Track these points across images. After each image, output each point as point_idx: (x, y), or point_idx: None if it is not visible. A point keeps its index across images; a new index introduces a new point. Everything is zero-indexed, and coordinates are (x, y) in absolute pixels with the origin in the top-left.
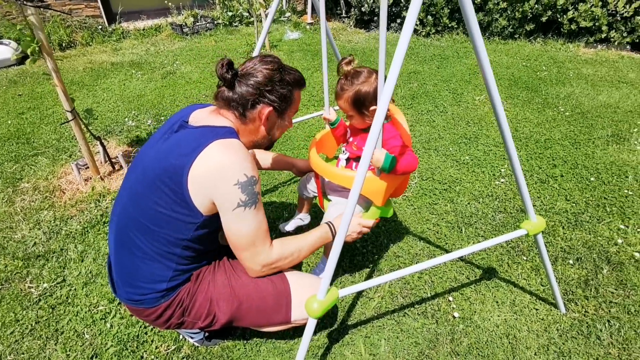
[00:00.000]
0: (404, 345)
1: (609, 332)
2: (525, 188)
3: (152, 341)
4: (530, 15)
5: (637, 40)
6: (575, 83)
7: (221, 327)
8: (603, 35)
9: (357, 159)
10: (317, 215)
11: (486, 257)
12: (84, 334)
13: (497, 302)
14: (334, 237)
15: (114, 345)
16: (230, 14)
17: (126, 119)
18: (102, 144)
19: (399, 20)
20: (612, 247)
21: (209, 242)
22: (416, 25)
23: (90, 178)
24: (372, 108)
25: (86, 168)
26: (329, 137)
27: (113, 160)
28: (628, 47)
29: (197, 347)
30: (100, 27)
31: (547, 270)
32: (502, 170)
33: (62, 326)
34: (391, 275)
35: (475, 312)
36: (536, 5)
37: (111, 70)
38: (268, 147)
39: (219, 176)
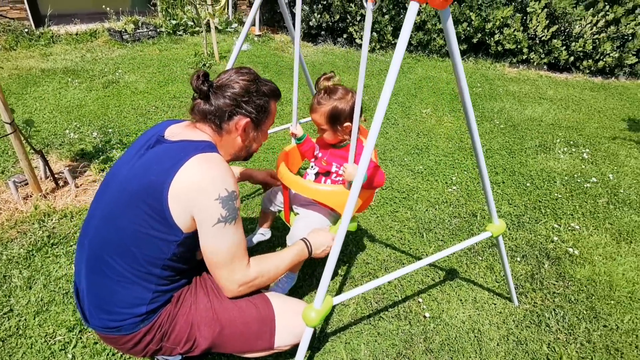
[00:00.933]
0: (382, 347)
1: (555, 320)
2: (491, 195)
3: None
4: (463, 37)
5: (553, 61)
6: (505, 99)
7: (200, 354)
8: (524, 57)
9: (326, 173)
10: (278, 231)
11: (447, 260)
12: None
13: (460, 300)
14: (309, 253)
15: None
16: (174, 22)
17: (66, 131)
18: (44, 158)
19: (345, 35)
20: (549, 244)
21: (188, 260)
22: (362, 40)
23: (30, 196)
24: (345, 124)
25: (25, 185)
26: (294, 152)
27: (56, 175)
28: (545, 67)
29: None
30: (26, 30)
31: (505, 268)
32: (453, 178)
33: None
34: (381, 280)
35: (443, 311)
36: (468, 28)
37: (42, 77)
38: (246, 158)
39: (199, 191)
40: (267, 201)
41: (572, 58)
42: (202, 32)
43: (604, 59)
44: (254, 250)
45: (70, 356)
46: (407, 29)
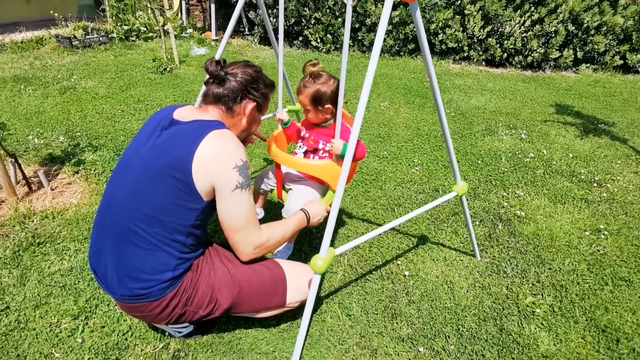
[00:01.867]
0: (371, 303)
1: (511, 268)
2: (455, 160)
3: (135, 345)
4: (411, 37)
5: (490, 58)
6: (452, 91)
7: (221, 315)
8: (465, 54)
9: (314, 151)
10: (270, 210)
11: (417, 228)
12: (52, 354)
13: (433, 260)
14: (308, 221)
15: (92, 358)
16: (125, 28)
17: (29, 137)
18: (17, 162)
19: (300, 38)
20: (501, 210)
21: (204, 228)
22: (317, 42)
23: (4, 201)
24: (326, 106)
25: None
26: (281, 136)
27: (30, 179)
28: (483, 63)
29: (185, 340)
30: None
31: (468, 226)
32: (415, 160)
33: (24, 350)
34: (373, 233)
35: (419, 269)
36: (414, 29)
37: None
38: (244, 142)
39: (219, 161)
40: (260, 181)
41: (505, 54)
42: (156, 37)
43: (532, 55)
44: None
45: (79, 340)
46: (383, 23)
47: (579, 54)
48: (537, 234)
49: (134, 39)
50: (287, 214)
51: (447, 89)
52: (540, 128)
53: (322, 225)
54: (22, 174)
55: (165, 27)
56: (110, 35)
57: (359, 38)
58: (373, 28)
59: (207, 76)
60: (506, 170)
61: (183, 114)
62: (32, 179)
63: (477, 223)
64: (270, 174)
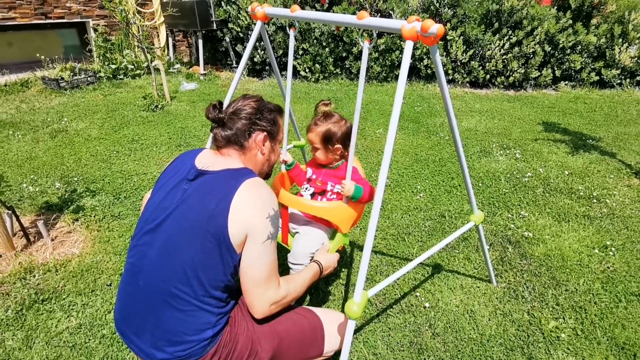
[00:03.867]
0: (396, 339)
1: (528, 292)
2: (472, 190)
3: None
4: (397, 63)
5: (474, 80)
6: (443, 114)
7: None
8: (450, 77)
9: (322, 192)
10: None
11: (431, 257)
12: None
13: (450, 288)
14: (321, 272)
15: None
16: (113, 66)
17: (23, 185)
18: (15, 214)
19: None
20: (508, 232)
21: (237, 280)
22: (306, 72)
23: (1, 256)
24: (336, 146)
25: None
26: (284, 178)
27: (28, 230)
28: (468, 85)
29: None
30: None
31: (485, 253)
32: (418, 187)
33: None
34: (401, 272)
35: (438, 300)
36: (400, 55)
37: None
38: (268, 175)
39: (254, 212)
40: None
41: (488, 76)
42: (143, 74)
43: (513, 75)
44: None
45: None
46: (405, 63)
47: (557, 72)
48: (548, 255)
49: (121, 77)
50: (295, 259)
51: (437, 112)
52: (533, 147)
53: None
54: (19, 226)
55: (154, 64)
56: (97, 75)
57: (347, 66)
58: (359, 56)
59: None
60: (507, 191)
61: (206, 162)
62: (30, 229)
63: (488, 247)
64: None
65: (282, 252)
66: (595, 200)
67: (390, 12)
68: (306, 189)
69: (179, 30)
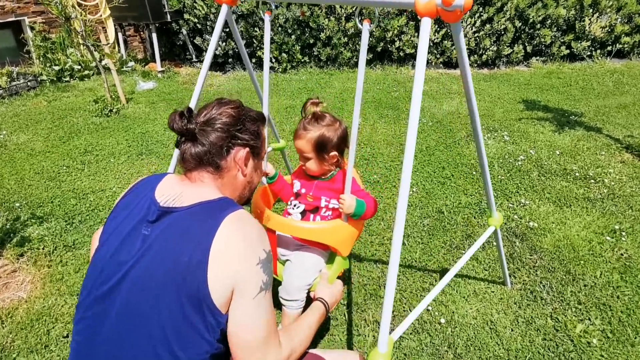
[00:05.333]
0: None
1: (546, 291)
2: (491, 190)
3: None
4: (369, 47)
5: (447, 60)
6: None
7: None
8: None
9: (315, 210)
10: None
11: (434, 260)
12: None
13: (463, 297)
14: (327, 312)
15: None
16: (56, 68)
17: None
18: None
19: (254, 60)
20: (512, 223)
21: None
22: (272, 62)
23: None
24: (332, 154)
25: None
26: (266, 193)
27: None
28: (442, 65)
29: None
30: None
31: (501, 257)
32: (410, 182)
33: None
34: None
35: (453, 312)
36: (370, 38)
37: None
38: (249, 199)
39: (241, 259)
40: None
41: None
42: (93, 75)
43: (486, 53)
44: None
45: None
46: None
47: (529, 48)
48: (558, 246)
49: (67, 79)
50: (289, 294)
51: None
52: (518, 127)
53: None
54: None
55: (104, 63)
56: (39, 79)
57: (315, 54)
58: (328, 42)
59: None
60: (502, 177)
61: (170, 193)
62: None
63: (494, 243)
64: None
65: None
66: (592, 181)
67: None
68: (295, 206)
69: (129, 24)
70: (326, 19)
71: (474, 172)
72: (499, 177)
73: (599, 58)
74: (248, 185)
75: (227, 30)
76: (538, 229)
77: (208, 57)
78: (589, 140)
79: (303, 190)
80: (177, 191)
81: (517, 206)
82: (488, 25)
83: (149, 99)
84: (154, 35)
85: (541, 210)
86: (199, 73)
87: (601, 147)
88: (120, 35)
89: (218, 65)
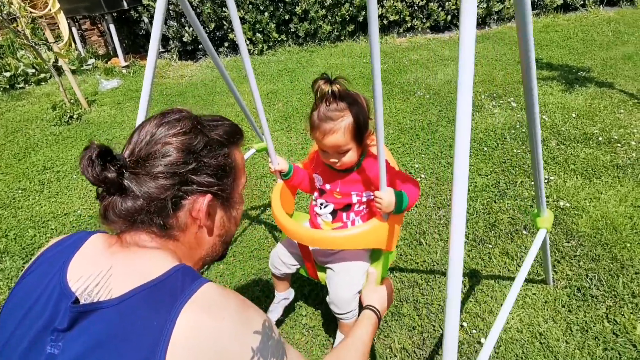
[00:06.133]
0: None
1: (595, 287)
2: (543, 185)
3: None
4: (348, 18)
5: (434, 24)
6: (413, 69)
7: None
8: (408, 25)
9: (346, 207)
10: (302, 282)
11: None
12: None
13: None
14: (379, 319)
15: None
16: (7, 74)
17: None
18: None
19: (226, 44)
20: None
21: None
22: (247, 44)
23: None
24: (368, 134)
25: None
26: (285, 192)
27: None
28: (429, 30)
29: None
30: None
31: (546, 259)
32: (416, 165)
33: None
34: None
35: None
36: (350, 8)
37: None
38: (223, 255)
39: None
40: (277, 264)
41: (449, 17)
42: (50, 77)
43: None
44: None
45: None
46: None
47: None
48: (597, 227)
49: (21, 85)
50: (340, 308)
51: (406, 68)
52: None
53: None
54: None
55: (64, 62)
56: None
57: (292, 30)
58: (305, 16)
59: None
60: (518, 151)
61: (92, 272)
62: None
63: (524, 233)
64: (285, 249)
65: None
66: (617, 144)
67: None
68: (322, 205)
69: (83, 17)
70: None
71: (485, 148)
72: (514, 150)
73: (592, 7)
74: (219, 241)
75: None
76: (570, 209)
77: (153, 48)
78: (603, 98)
79: (328, 187)
80: (103, 268)
81: None
82: None
83: (115, 99)
84: (112, 27)
85: (569, 186)
86: (168, 64)
87: (618, 105)
88: (75, 30)
89: (188, 53)
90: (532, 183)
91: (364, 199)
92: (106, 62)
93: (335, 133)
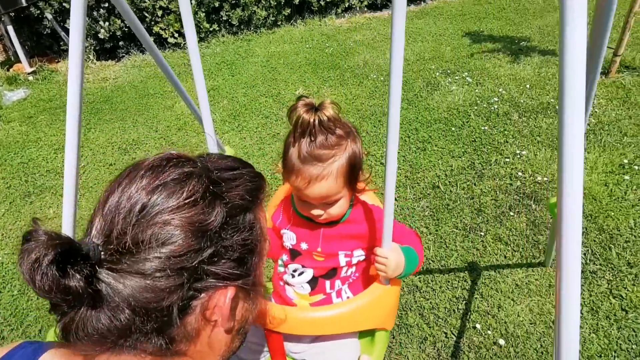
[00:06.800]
0: None
1: (592, 262)
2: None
3: None
4: (283, 1)
5: (372, 2)
6: (360, 50)
7: None
8: (346, 5)
9: (331, 273)
10: None
11: (451, 249)
12: None
13: (507, 296)
14: None
15: None
16: None
17: None
18: None
19: (152, 38)
20: (517, 183)
21: None
22: (175, 37)
23: None
24: (363, 174)
25: None
26: None
27: None
28: (366, 9)
29: None
30: None
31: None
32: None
33: None
34: None
35: (506, 323)
36: None
37: None
38: (239, 346)
39: None
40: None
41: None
42: None
43: None
44: None
45: None
46: None
47: None
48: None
49: None
50: None
51: (353, 50)
52: (474, 64)
53: None
54: None
55: None
56: None
57: (224, 18)
58: (237, 2)
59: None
60: (485, 128)
61: None
62: None
63: (512, 214)
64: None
65: None
66: None
67: None
68: (297, 272)
69: None
70: None
71: (453, 128)
72: (481, 128)
73: None
74: (237, 334)
75: (107, 5)
76: (548, 183)
77: (76, 50)
78: (549, 66)
79: (304, 246)
80: None
81: (513, 159)
82: None
83: (24, 112)
84: (10, 28)
85: (540, 158)
86: (87, 65)
87: None
88: None
89: (107, 52)
90: (507, 160)
91: (355, 261)
92: (8, 70)
93: (324, 179)
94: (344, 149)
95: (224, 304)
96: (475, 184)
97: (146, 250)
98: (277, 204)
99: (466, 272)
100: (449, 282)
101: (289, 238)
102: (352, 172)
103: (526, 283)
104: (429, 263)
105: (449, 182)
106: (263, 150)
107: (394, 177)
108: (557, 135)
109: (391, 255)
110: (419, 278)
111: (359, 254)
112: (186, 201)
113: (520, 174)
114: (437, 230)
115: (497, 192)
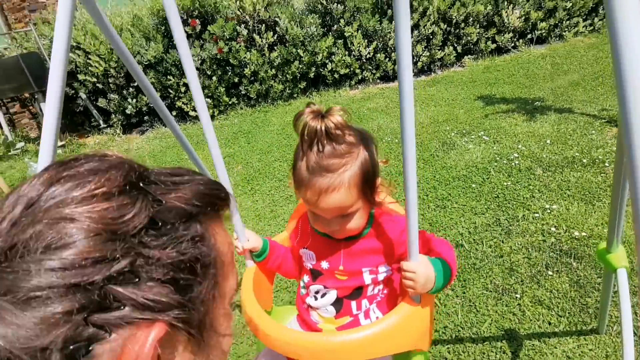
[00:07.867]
0: None
1: None
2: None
3: None
4: (299, 75)
5: (384, 74)
6: (374, 116)
7: None
8: (359, 77)
9: (356, 292)
10: None
11: (483, 312)
12: None
13: None
14: None
15: None
16: None
17: None
18: None
19: (174, 112)
20: (551, 239)
21: None
22: (194, 112)
23: None
24: (378, 183)
25: None
26: (259, 279)
27: None
28: (379, 81)
29: None
30: None
31: (622, 307)
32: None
33: None
34: None
35: None
36: (300, 65)
37: None
38: None
39: None
40: None
41: (396, 67)
42: None
43: (420, 60)
44: None
45: None
46: None
47: (459, 49)
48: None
49: None
50: None
51: (367, 116)
52: (490, 124)
53: None
54: None
55: None
56: None
57: (242, 93)
58: (255, 77)
59: None
60: (508, 183)
61: None
62: None
63: (550, 274)
64: None
65: None
66: (603, 164)
67: (276, 19)
68: (319, 294)
69: (10, 100)
70: (247, 52)
71: (473, 185)
72: (503, 183)
73: (523, 47)
74: None
75: (135, 84)
76: (587, 239)
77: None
78: (568, 123)
79: (325, 265)
80: None
81: (543, 214)
82: (416, 32)
83: None
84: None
85: (573, 213)
86: (111, 139)
87: (586, 127)
88: (1, 115)
89: (133, 126)
90: (536, 215)
91: (381, 277)
92: (38, 145)
93: (336, 191)
94: (355, 157)
95: (144, 350)
96: (503, 241)
97: (24, 260)
98: (296, 225)
99: (504, 341)
100: (484, 353)
101: (309, 258)
102: (367, 182)
103: (579, 354)
104: (458, 330)
105: (474, 239)
106: (275, 212)
107: (414, 184)
108: (589, 189)
109: (419, 269)
110: (448, 348)
111: (384, 270)
112: (96, 192)
113: (553, 229)
114: (464, 293)
115: (530, 250)
